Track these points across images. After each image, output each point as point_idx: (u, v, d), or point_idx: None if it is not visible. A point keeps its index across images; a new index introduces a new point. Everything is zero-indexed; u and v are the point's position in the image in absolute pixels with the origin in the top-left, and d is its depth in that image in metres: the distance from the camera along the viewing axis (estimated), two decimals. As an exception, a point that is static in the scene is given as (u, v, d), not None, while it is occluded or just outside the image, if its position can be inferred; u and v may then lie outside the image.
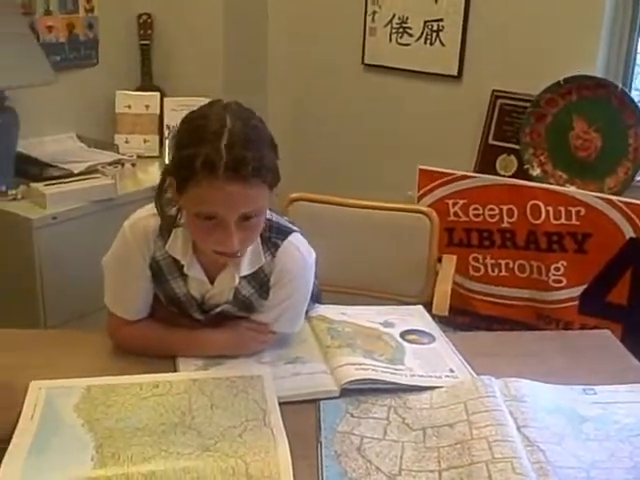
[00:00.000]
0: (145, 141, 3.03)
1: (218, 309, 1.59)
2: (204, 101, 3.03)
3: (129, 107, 3.04)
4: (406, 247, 2.35)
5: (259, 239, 1.49)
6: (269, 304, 1.57)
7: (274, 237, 1.52)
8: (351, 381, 1.45)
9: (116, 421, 1.32)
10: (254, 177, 1.32)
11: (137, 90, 3.11)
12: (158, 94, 3.05)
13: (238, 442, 1.27)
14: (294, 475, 1.21)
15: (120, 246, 1.54)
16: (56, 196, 2.42)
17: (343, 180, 3.08)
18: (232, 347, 1.55)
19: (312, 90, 3.21)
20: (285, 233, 1.54)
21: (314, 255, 1.58)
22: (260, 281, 1.54)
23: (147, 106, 3.04)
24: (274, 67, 3.28)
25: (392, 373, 1.50)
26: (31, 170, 2.63)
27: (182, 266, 1.52)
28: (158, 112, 3.03)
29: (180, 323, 1.59)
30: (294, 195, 2.40)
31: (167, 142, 2.98)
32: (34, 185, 2.49)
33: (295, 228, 1.58)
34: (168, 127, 3.00)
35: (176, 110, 3.02)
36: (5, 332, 1.68)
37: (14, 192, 2.52)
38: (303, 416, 1.38)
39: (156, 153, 3.03)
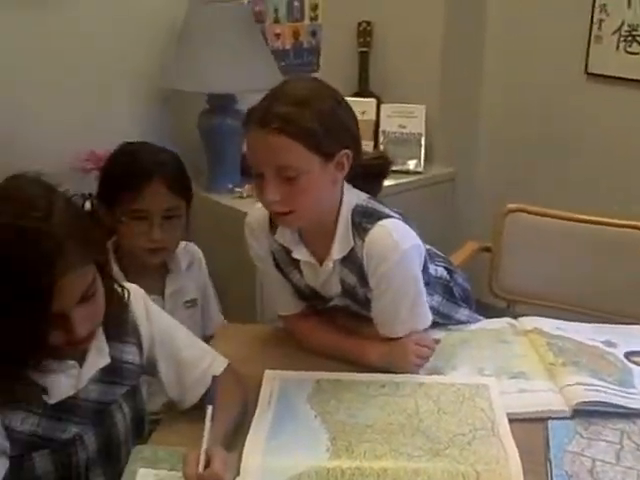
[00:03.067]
0: (360, 146, 3.10)
1: (332, 302, 1.61)
2: (419, 108, 3.09)
3: (346, 112, 3.11)
4: (629, 264, 2.24)
5: (350, 223, 1.49)
6: (375, 301, 1.53)
7: (364, 221, 1.50)
8: (583, 402, 1.40)
9: (347, 416, 1.37)
10: (281, 131, 1.36)
11: (354, 96, 3.18)
12: (375, 100, 3.11)
13: (468, 450, 1.28)
14: (525, 489, 1.19)
15: (249, 247, 1.63)
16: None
17: (563, 194, 2.97)
18: (397, 360, 1.54)
19: (528, 98, 3.14)
20: (376, 217, 1.50)
21: (413, 243, 1.51)
22: (358, 268, 1.52)
23: (363, 112, 3.09)
24: (489, 78, 3.23)
25: (623, 397, 1.44)
26: (255, 170, 2.78)
27: (294, 258, 1.56)
28: (374, 118, 3.09)
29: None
30: (511, 206, 2.36)
31: (381, 148, 3.04)
32: (258, 184, 2.62)
33: (393, 214, 1.53)
34: (384, 133, 3.06)
35: (392, 117, 3.07)
36: (237, 327, 1.84)
37: (240, 190, 2.67)
38: (529, 432, 1.36)
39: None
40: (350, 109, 1.49)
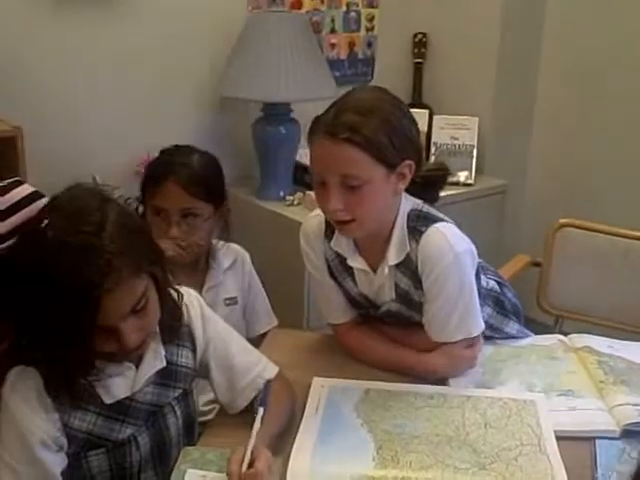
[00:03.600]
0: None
1: (384, 307, 1.60)
2: (472, 120, 3.09)
3: (398, 123, 3.12)
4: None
5: (405, 228, 1.50)
6: (428, 305, 1.53)
7: (419, 224, 1.51)
8: (632, 423, 1.39)
9: (393, 426, 1.38)
10: (348, 141, 1.37)
11: (407, 107, 3.20)
12: (427, 112, 3.12)
13: (514, 465, 1.28)
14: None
15: (302, 254, 1.64)
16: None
17: (616, 209, 2.92)
18: (450, 368, 1.55)
19: (582, 112, 3.11)
20: (431, 220, 1.51)
21: (467, 247, 1.51)
22: (412, 271, 1.52)
23: (416, 123, 3.11)
24: (543, 91, 3.21)
25: (675, 419, 1.42)
26: (307, 178, 2.81)
27: (349, 266, 1.57)
28: (426, 129, 3.09)
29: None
30: (563, 221, 2.34)
31: (432, 159, 3.04)
32: (310, 193, 2.65)
33: (447, 219, 1.54)
34: (435, 144, 3.06)
35: (444, 128, 3.08)
36: (287, 332, 1.88)
37: (291, 198, 2.71)
38: (576, 450, 1.35)
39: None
40: (414, 119, 1.49)
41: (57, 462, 1.24)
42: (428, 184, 1.59)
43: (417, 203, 1.55)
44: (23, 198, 1.35)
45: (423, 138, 3.08)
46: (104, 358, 1.23)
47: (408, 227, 1.51)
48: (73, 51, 2.47)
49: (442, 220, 1.53)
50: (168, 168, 1.78)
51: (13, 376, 1.24)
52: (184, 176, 1.77)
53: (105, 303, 1.13)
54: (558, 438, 1.36)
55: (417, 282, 1.53)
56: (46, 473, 1.22)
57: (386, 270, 1.54)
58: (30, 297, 1.15)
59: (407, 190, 1.54)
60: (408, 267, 1.52)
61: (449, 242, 1.48)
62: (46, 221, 1.16)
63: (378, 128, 1.39)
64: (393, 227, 1.52)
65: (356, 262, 1.57)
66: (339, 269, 1.62)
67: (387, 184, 1.44)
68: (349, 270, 1.60)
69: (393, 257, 1.52)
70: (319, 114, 1.46)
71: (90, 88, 2.53)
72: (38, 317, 1.16)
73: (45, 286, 1.12)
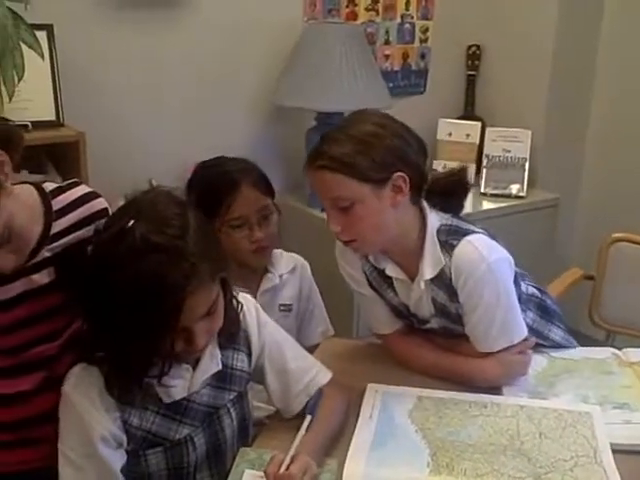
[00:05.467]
0: (462, 169, 3.11)
1: (429, 325, 1.62)
2: (525, 133, 3.08)
3: (450, 135, 3.13)
4: None
5: (437, 243, 1.51)
6: (467, 316, 1.54)
7: (450, 239, 1.52)
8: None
9: (447, 433, 1.39)
10: (325, 167, 1.43)
11: (459, 119, 3.21)
12: (479, 124, 3.12)
13: (569, 476, 1.28)
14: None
15: (340, 268, 1.68)
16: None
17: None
18: (502, 376, 1.56)
19: (637, 125, 3.07)
20: (462, 234, 1.53)
21: (500, 255, 1.53)
22: (447, 285, 1.53)
23: (467, 135, 3.11)
24: (598, 105, 3.18)
25: None
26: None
27: (388, 277, 1.59)
28: (478, 141, 3.10)
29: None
30: (617, 235, 2.34)
31: (484, 171, 3.04)
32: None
33: (478, 230, 1.55)
34: (487, 156, 3.06)
35: (496, 141, 3.08)
36: (340, 340, 1.92)
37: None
38: (632, 464, 1.34)
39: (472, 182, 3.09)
40: (399, 128, 1.50)
41: (117, 458, 1.27)
42: (447, 193, 1.60)
43: (445, 217, 1.57)
44: (78, 198, 1.39)
45: (475, 150, 3.09)
46: (167, 358, 1.26)
47: (440, 242, 1.53)
48: (134, 59, 2.53)
49: (473, 232, 1.54)
50: (236, 176, 1.80)
51: (76, 373, 1.28)
52: (253, 178, 1.82)
53: (186, 305, 1.17)
54: (613, 451, 1.35)
55: (453, 295, 1.55)
56: (106, 468, 1.26)
57: (422, 284, 1.56)
58: (102, 295, 1.19)
59: (430, 203, 1.56)
60: (443, 281, 1.54)
61: (481, 253, 1.50)
62: (130, 222, 1.19)
63: (352, 149, 1.44)
64: (423, 242, 1.53)
65: (394, 271, 1.59)
66: (378, 280, 1.64)
67: (380, 199, 1.46)
68: (388, 281, 1.62)
69: (428, 272, 1.54)
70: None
71: (149, 94, 2.59)
72: (109, 314, 1.19)
73: (126, 285, 1.15)
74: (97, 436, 1.24)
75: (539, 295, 1.75)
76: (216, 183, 1.82)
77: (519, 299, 1.59)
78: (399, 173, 1.46)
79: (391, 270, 1.59)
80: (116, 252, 1.18)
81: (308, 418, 1.31)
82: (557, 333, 1.75)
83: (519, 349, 1.57)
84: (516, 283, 1.60)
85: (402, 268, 1.59)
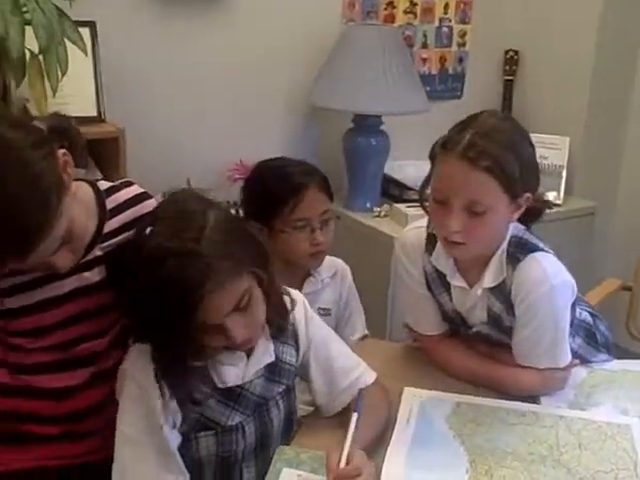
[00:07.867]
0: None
1: (475, 329, 1.60)
2: (563, 140, 3.04)
3: (486, 140, 3.11)
4: None
5: (504, 254, 1.50)
6: (517, 330, 1.53)
7: (517, 252, 1.50)
8: None
9: (486, 440, 1.38)
10: (487, 170, 1.38)
11: (496, 124, 3.18)
12: (516, 130, 3.09)
13: (610, 488, 1.26)
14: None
15: (394, 263, 1.66)
16: (417, 217, 2.56)
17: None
18: (539, 387, 1.55)
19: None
20: (530, 250, 1.51)
21: (564, 279, 1.51)
22: (505, 296, 1.52)
23: (504, 141, 3.08)
24: (636, 112, 3.15)
25: None
26: (394, 191, 2.82)
27: (446, 282, 1.57)
28: (515, 147, 3.07)
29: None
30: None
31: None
32: (397, 205, 2.67)
33: (547, 249, 1.53)
34: (524, 162, 3.03)
35: (533, 147, 3.04)
36: (376, 342, 1.92)
37: (378, 210, 2.73)
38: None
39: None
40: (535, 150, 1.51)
41: (174, 437, 1.29)
42: (530, 214, 1.57)
43: (520, 229, 1.55)
44: (131, 198, 1.40)
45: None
46: (216, 349, 1.28)
47: (507, 252, 1.52)
48: (174, 57, 2.55)
49: (542, 250, 1.53)
50: (304, 179, 1.79)
51: (134, 353, 1.30)
52: (320, 180, 1.81)
53: (208, 303, 1.18)
54: (653, 464, 1.34)
55: (510, 307, 1.54)
56: (165, 444, 1.27)
57: (479, 291, 1.55)
58: (137, 292, 1.21)
59: None
60: (502, 292, 1.53)
61: (545, 273, 1.49)
62: (148, 229, 1.22)
63: (514, 161, 1.41)
64: (495, 252, 1.52)
65: (456, 280, 1.58)
66: (437, 283, 1.62)
67: (507, 214, 1.46)
68: (446, 285, 1.61)
69: (489, 280, 1.53)
70: (449, 132, 1.45)
71: (189, 92, 2.61)
72: (144, 313, 1.22)
73: (150, 290, 1.18)
74: (159, 407, 1.26)
75: (590, 321, 1.73)
76: (281, 183, 1.80)
77: (570, 324, 1.58)
78: (529, 194, 1.46)
79: (453, 278, 1.58)
80: (137, 259, 1.22)
81: (355, 416, 1.30)
82: (601, 358, 1.73)
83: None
84: (572, 307, 1.59)
85: (465, 275, 1.58)
